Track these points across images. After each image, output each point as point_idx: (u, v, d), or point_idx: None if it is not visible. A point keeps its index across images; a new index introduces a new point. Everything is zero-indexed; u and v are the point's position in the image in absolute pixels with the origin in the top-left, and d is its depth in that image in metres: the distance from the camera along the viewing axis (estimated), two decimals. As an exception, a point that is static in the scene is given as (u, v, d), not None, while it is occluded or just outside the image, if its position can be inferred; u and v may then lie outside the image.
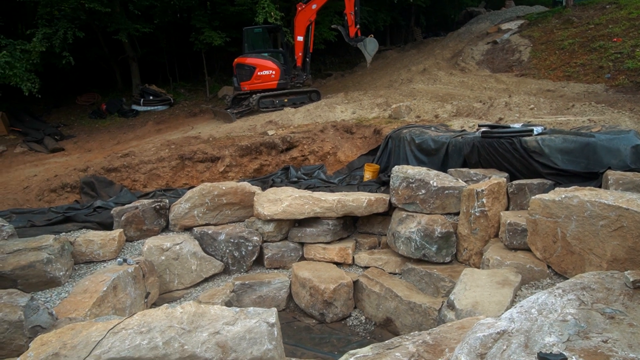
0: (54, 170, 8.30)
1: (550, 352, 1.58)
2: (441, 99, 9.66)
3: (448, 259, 5.19)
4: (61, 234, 5.46)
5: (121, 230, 5.72)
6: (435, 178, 5.45)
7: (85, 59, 15.76)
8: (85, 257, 5.28)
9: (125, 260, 4.96)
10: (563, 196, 3.76)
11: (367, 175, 7.28)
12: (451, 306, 3.45)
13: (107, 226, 5.92)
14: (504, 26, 14.88)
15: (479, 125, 6.45)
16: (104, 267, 5.11)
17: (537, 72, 10.85)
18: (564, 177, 5.00)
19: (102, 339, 2.04)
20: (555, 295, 2.07)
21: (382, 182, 6.78)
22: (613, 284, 2.07)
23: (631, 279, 1.98)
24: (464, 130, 6.88)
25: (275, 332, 2.31)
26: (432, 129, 7.07)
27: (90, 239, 5.36)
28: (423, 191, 5.42)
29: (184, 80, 17.70)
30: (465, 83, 11.15)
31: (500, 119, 7.32)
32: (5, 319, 3.24)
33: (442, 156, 6.34)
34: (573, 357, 1.58)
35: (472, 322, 2.31)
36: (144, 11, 14.29)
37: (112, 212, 5.97)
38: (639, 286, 1.96)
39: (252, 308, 2.40)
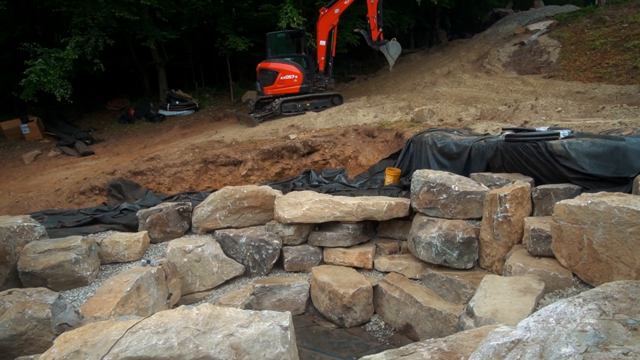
0: (84, 174, 8.61)
1: (565, 364, 1.53)
2: (465, 102, 9.51)
3: (470, 265, 5.09)
4: (89, 235, 5.65)
5: (146, 232, 5.88)
6: (457, 182, 5.36)
7: (116, 66, 16.31)
8: (111, 257, 5.45)
9: (148, 262, 5.08)
10: (589, 202, 3.63)
11: (388, 179, 7.23)
12: (470, 313, 3.38)
13: (133, 228, 6.09)
14: (532, 27, 14.52)
15: (503, 129, 6.31)
16: (129, 267, 5.26)
17: (567, 73, 10.53)
18: (591, 182, 4.82)
19: (120, 338, 2.10)
20: (575, 305, 2.00)
21: (403, 187, 6.72)
22: (638, 294, 1.99)
23: (656, 290, 1.90)
24: (488, 133, 6.75)
25: (289, 336, 2.32)
26: (455, 132, 6.96)
27: (116, 240, 5.52)
28: (444, 196, 5.35)
29: (209, 85, 18.06)
30: (491, 85, 10.93)
31: (526, 122, 7.14)
32: (34, 316, 3.38)
33: (465, 160, 6.23)
34: (590, 369, 1.53)
35: (490, 330, 2.26)
36: (171, 18, 14.69)
37: (137, 214, 6.14)
38: (664, 297, 1.88)
39: (266, 311, 2.42)
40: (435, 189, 5.40)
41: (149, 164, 8.30)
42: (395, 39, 11.13)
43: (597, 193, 3.88)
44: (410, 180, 5.92)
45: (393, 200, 5.92)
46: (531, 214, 4.94)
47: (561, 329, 1.84)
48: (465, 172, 6.04)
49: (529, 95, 9.33)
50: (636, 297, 1.96)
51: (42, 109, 14.86)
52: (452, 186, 5.30)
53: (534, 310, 3.30)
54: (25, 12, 14.82)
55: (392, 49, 10.93)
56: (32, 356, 3.15)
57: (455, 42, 19.15)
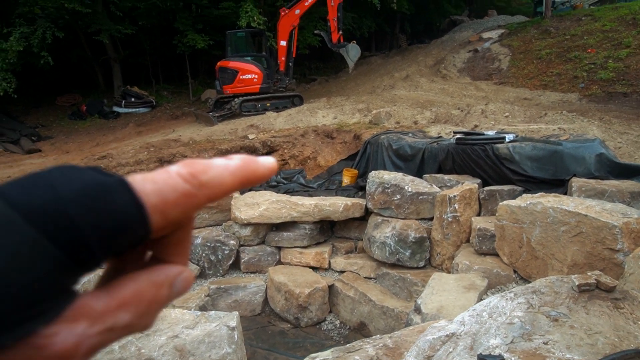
0: (29, 172, 8.16)
1: (489, 354, 1.64)
2: (421, 106, 9.80)
3: (422, 264, 5.26)
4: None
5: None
6: (410, 183, 5.53)
7: (66, 60, 15.56)
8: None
9: (97, 264, 4.91)
10: (528, 202, 3.86)
11: (346, 180, 7.34)
12: (418, 310, 3.51)
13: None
14: (486, 35, 15.18)
15: (454, 132, 6.57)
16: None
17: (516, 80, 11.09)
18: (533, 184, 5.13)
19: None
20: (506, 299, 2.13)
21: (360, 187, 6.85)
22: (562, 287, 2.14)
23: (577, 283, 2.06)
24: (441, 136, 7.00)
25: (236, 336, 2.32)
26: (410, 135, 7.17)
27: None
28: (398, 196, 5.50)
29: (167, 82, 17.59)
30: (446, 90, 11.33)
31: (476, 126, 7.47)
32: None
33: (418, 162, 6.44)
34: (512, 358, 1.64)
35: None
36: (127, 12, 14.19)
37: (86, 215, 5.91)
38: (583, 290, 2.04)
39: (213, 312, 2.41)
40: (389, 190, 5.54)
41: (100, 163, 7.98)
42: (355, 42, 11.32)
43: (536, 194, 4.13)
44: (366, 181, 6.05)
45: (349, 201, 6.02)
46: (479, 214, 5.18)
47: (492, 322, 1.96)
48: (419, 173, 6.24)
49: (480, 100, 9.75)
50: (560, 291, 2.11)
51: (-17, 103, 13.93)
52: (406, 187, 5.46)
53: (477, 305, 3.46)
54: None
55: (352, 52, 11.10)
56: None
57: (414, 47, 19.69)
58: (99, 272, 0.32)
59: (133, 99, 14.55)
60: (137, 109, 14.35)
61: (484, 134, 5.97)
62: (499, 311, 2.05)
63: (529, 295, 2.14)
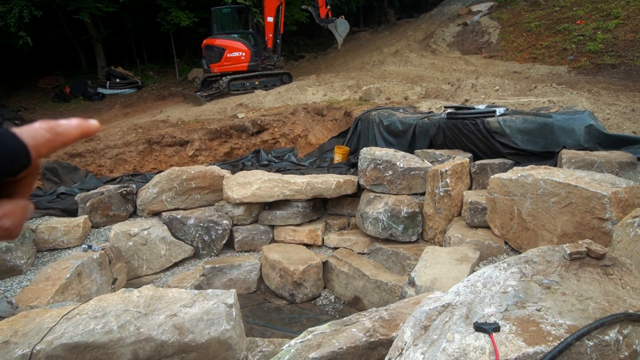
0: (15, 157, 8.00)
1: (485, 322, 1.67)
2: (411, 81, 9.74)
3: (414, 238, 5.33)
4: (22, 222, 5.30)
5: (86, 216, 5.62)
6: (402, 159, 5.54)
7: (46, 40, 15.06)
8: (48, 244, 5.18)
9: (90, 247, 4.89)
10: (519, 175, 3.90)
11: (337, 157, 7.33)
12: (412, 283, 3.57)
13: (72, 213, 5.79)
14: (475, 8, 15.01)
15: (445, 107, 6.56)
16: (69, 254, 5.03)
17: (505, 54, 11.04)
18: (523, 157, 5.17)
19: (55, 325, 2.03)
20: (500, 269, 2.17)
21: (351, 164, 6.85)
22: (553, 256, 2.19)
23: (568, 251, 2.10)
24: (431, 112, 6.99)
25: (234, 313, 2.34)
26: (401, 110, 7.14)
27: (54, 225, 5.24)
28: (390, 172, 5.51)
29: (153, 62, 17.18)
30: (436, 65, 11.25)
31: (467, 100, 7.46)
32: (-39, 309, 3.18)
33: (410, 138, 6.43)
34: (507, 325, 1.68)
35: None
36: (107, -11, 13.70)
37: (76, 198, 5.84)
38: (574, 258, 2.08)
39: (210, 290, 2.43)
40: (381, 166, 5.55)
41: (87, 146, 7.85)
42: (343, 16, 11.12)
43: (526, 167, 4.17)
44: (358, 158, 6.05)
45: (342, 178, 6.03)
46: (470, 188, 5.23)
47: (486, 291, 1.99)
48: (411, 149, 6.25)
49: (470, 74, 9.71)
50: (552, 260, 2.15)
51: (-38, 86, 13.52)
52: (398, 163, 5.47)
53: (469, 277, 3.53)
54: None
55: (341, 27, 10.92)
56: (-40, 351, 2.96)
57: (403, 21, 19.41)
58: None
59: (118, 80, 14.22)
60: (123, 90, 14.05)
61: (474, 108, 5.97)
62: (492, 281, 2.09)
63: (521, 265, 2.18)
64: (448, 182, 4.95)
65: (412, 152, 6.00)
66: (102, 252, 4.79)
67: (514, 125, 5.23)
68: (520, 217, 3.89)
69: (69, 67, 16.42)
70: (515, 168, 4.31)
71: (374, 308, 2.81)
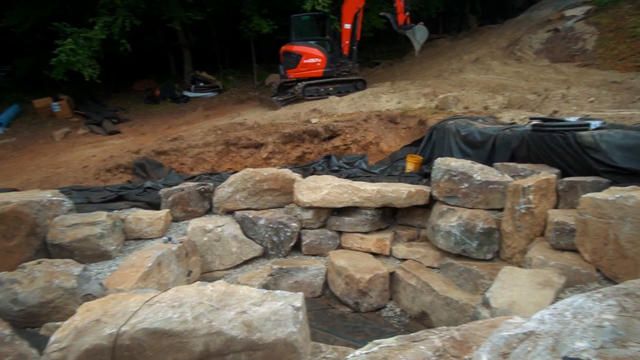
0: (110, 152, 8.84)
1: (578, 358, 1.50)
2: (492, 90, 9.25)
3: (489, 256, 5.02)
4: (114, 212, 5.82)
5: (168, 210, 6.01)
6: (480, 172, 5.26)
7: (143, 47, 16.52)
8: (134, 234, 5.61)
9: (170, 239, 5.21)
10: (617, 196, 3.50)
11: (409, 166, 7.15)
12: (486, 304, 3.34)
13: (156, 206, 6.23)
14: (568, 12, 13.89)
15: (530, 118, 6.12)
16: (151, 244, 5.40)
17: (603, 62, 10.08)
18: (622, 176, 4.64)
19: (138, 310, 2.17)
20: (593, 300, 1.94)
21: (424, 174, 6.64)
22: (662, 291, 1.92)
23: (682, 288, 1.83)
24: (514, 123, 6.56)
25: (301, 316, 2.35)
26: (480, 120, 6.80)
27: (140, 217, 5.67)
28: (466, 185, 5.25)
29: (233, 67, 18.12)
30: (520, 73, 10.58)
31: (555, 112, 6.90)
32: (61, 286, 3.53)
33: (489, 149, 6.09)
34: (604, 364, 1.49)
35: (503, 321, 2.22)
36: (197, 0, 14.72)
37: (160, 192, 6.27)
38: (690, 296, 1.80)
39: (279, 291, 2.46)
40: (456, 178, 5.31)
41: (172, 144, 8.44)
42: (422, 23, 10.87)
43: (626, 187, 3.74)
44: (431, 168, 5.84)
45: (413, 188, 5.86)
46: (556, 207, 4.81)
47: (577, 323, 1.79)
48: (489, 161, 5.91)
49: (560, 84, 8.99)
50: (660, 295, 1.89)
51: (72, 88, 15.24)
52: (474, 175, 5.20)
53: (553, 304, 3.23)
54: (57, -9, 15.09)
55: (419, 34, 10.69)
56: (58, 323, 3.30)
57: (485, 27, 18.55)
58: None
59: (202, 84, 15.18)
60: (206, 94, 14.97)
61: (564, 121, 5.50)
62: (584, 312, 1.87)
63: (621, 298, 1.94)
64: (531, 198, 4.59)
65: (490, 165, 5.66)
66: (180, 245, 5.08)
67: (613, 141, 4.72)
68: (617, 242, 3.49)
69: (160, 72, 17.86)
70: (612, 188, 3.89)
71: (444, 327, 2.67)
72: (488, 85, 9.70)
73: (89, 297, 3.67)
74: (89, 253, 4.93)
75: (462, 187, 5.27)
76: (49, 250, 4.81)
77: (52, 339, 2.15)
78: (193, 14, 14.07)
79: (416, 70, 13.73)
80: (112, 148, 9.44)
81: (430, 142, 7.14)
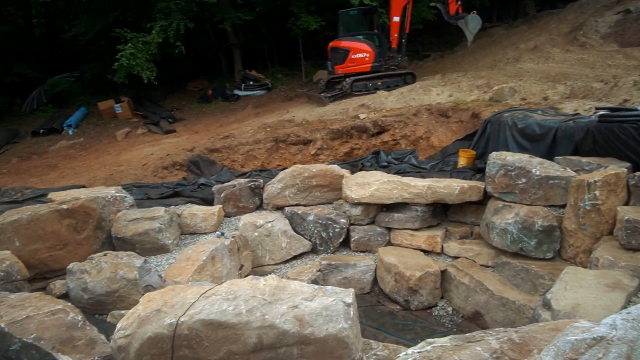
0: (167, 150, 9.28)
1: (658, 368, 1.37)
2: (553, 80, 8.70)
3: (549, 255, 4.74)
4: (170, 207, 6.10)
5: (220, 206, 6.21)
6: (539, 166, 4.97)
7: (195, 48, 17.16)
8: (189, 228, 5.85)
9: (223, 234, 5.39)
10: (700, 191, 3.17)
11: (462, 161, 6.90)
12: (547, 305, 3.16)
13: (209, 202, 6.46)
14: (639, -8, 12.75)
15: (597, 108, 5.70)
16: (205, 238, 5.61)
17: (680, 44, 9.17)
18: None
19: (195, 301, 2.26)
20: (674, 305, 1.77)
21: (477, 169, 6.38)
22: None
23: None
24: (578, 113, 6.14)
25: (352, 312, 2.34)
26: (539, 112, 6.42)
27: (194, 212, 5.91)
28: (523, 180, 4.99)
29: (282, 65, 18.37)
30: (585, 60, 9.88)
31: (626, 100, 6.37)
32: (125, 277, 3.77)
33: (549, 143, 5.74)
34: (689, 377, 1.35)
35: (568, 325, 2.09)
36: (246, 0, 15.06)
37: (213, 189, 6.50)
38: None
39: (330, 287, 2.46)
40: (513, 173, 5.05)
41: (224, 142, 8.72)
42: (475, 12, 10.44)
43: None
44: (485, 163, 5.60)
45: (466, 183, 5.65)
46: (626, 203, 4.44)
47: (655, 330, 1.64)
48: (549, 155, 5.57)
49: (632, 70, 8.29)
50: None
51: (132, 90, 16.15)
52: (533, 170, 4.92)
53: (624, 308, 3.00)
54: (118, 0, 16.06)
55: (472, 23, 10.27)
56: (123, 311, 3.52)
57: (544, 13, 17.47)
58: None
59: (251, 82, 15.54)
60: (255, 92, 15.30)
61: (637, 110, 5.06)
62: (664, 318, 1.71)
63: None
64: (597, 194, 4.28)
65: (550, 159, 5.33)
66: (233, 239, 5.24)
67: (693, 131, 4.29)
68: (699, 243, 3.16)
69: (212, 72, 18.47)
70: (693, 182, 3.53)
71: (502, 328, 2.55)
72: (548, 74, 9.14)
73: (149, 287, 3.88)
74: (148, 246, 5.20)
75: (520, 182, 5.01)
76: (113, 243, 5.14)
77: (118, 326, 2.29)
78: (243, 14, 14.42)
79: (468, 61, 13.21)
80: (168, 146, 9.91)
81: (484, 136, 6.85)
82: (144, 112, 14.55)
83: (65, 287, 3.92)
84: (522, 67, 10.20)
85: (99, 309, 3.80)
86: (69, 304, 3.01)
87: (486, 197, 5.57)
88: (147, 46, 12.36)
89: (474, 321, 4.86)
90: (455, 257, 5.57)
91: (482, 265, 5.28)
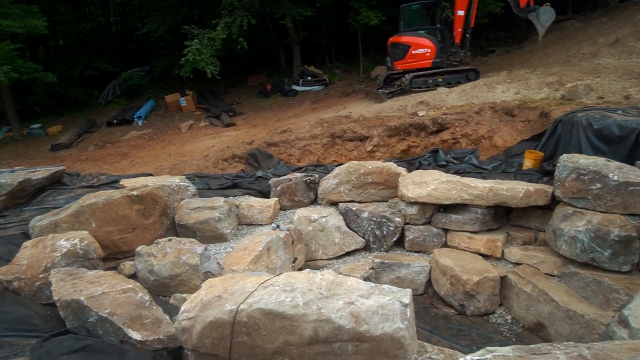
0: (227, 143, 9.62)
1: None
2: (636, 77, 7.97)
3: (626, 268, 4.36)
4: (229, 198, 6.32)
5: (276, 199, 6.34)
6: (617, 171, 4.57)
7: (256, 44, 17.60)
8: (246, 219, 6.03)
9: (278, 227, 5.49)
10: None
11: (528, 163, 6.53)
12: (623, 323, 2.91)
13: (266, 194, 6.62)
14: None
15: (689, 109, 5.14)
16: (261, 230, 5.76)
17: None
18: None
19: (254, 290, 2.32)
20: None
21: (545, 172, 6.01)
22: None
23: None
24: (665, 114, 5.58)
25: (409, 313, 2.29)
26: (619, 112, 5.91)
27: (252, 204, 6.08)
28: (598, 185, 4.61)
29: (340, 61, 18.36)
30: (674, 56, 8.95)
31: None
32: (187, 262, 3.96)
33: (630, 145, 5.27)
34: None
35: (650, 346, 1.91)
36: (307, -5, 15.20)
37: (270, 182, 6.64)
38: None
39: (386, 285, 2.43)
40: (586, 177, 4.69)
41: (281, 136, 8.88)
42: (548, 4, 9.76)
43: None
44: (554, 166, 5.26)
45: (532, 186, 5.34)
46: None
47: None
48: (629, 159, 5.11)
49: None
50: None
51: (196, 84, 16.91)
52: (610, 175, 4.54)
53: None
54: (186, -2, 16.84)
55: (544, 16, 9.63)
56: (185, 295, 3.70)
57: (629, 3, 15.98)
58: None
59: (309, 78, 15.69)
60: (313, 87, 15.44)
61: None
62: None
63: None
64: (686, 204, 3.86)
65: (631, 164, 4.89)
66: (287, 232, 5.33)
67: None
68: None
69: (271, 67, 18.87)
70: None
71: (571, 342, 2.38)
72: (630, 71, 8.38)
73: (208, 274, 4.05)
74: (208, 234, 5.43)
75: (594, 187, 4.64)
76: (176, 229, 5.42)
77: (183, 308, 2.41)
78: (304, 9, 14.56)
79: (538, 56, 12.44)
80: (228, 139, 10.27)
81: (554, 137, 6.42)
82: (207, 105, 15.19)
83: (134, 268, 4.19)
84: (600, 63, 9.43)
85: (163, 291, 4.02)
86: (138, 284, 3.21)
87: (554, 201, 5.23)
88: (212, 42, 12.86)
89: (536, 332, 4.60)
90: (517, 264, 5.29)
91: (546, 273, 4.98)
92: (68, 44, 21.44)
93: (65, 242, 3.75)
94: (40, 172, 6.29)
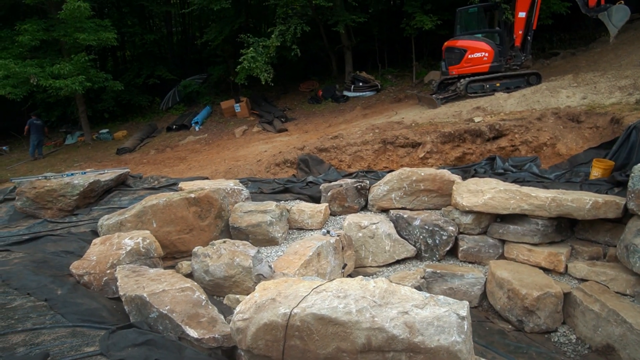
0: (279, 148, 9.81)
1: None
2: None
3: None
4: (281, 202, 6.42)
5: (327, 204, 6.36)
6: (702, 183, 4.15)
7: (308, 51, 17.86)
8: (297, 224, 6.10)
9: (328, 232, 5.51)
10: None
11: (596, 172, 6.10)
12: None
13: (316, 199, 6.66)
14: None
15: None
16: (311, 234, 5.80)
17: None
18: None
19: (307, 295, 2.33)
20: None
21: (616, 183, 5.58)
22: None
23: None
24: None
25: (466, 326, 2.20)
26: None
27: (302, 209, 6.13)
28: (679, 198, 4.21)
29: (392, 66, 18.18)
30: None
31: None
32: (240, 264, 4.06)
33: None
34: None
35: None
36: (360, 1, 15.20)
37: (320, 187, 6.68)
38: None
39: (442, 297, 2.35)
40: (665, 189, 4.30)
41: (332, 142, 8.92)
42: (622, 1, 9.08)
43: None
44: (627, 176, 4.87)
45: (601, 198, 4.97)
46: None
47: None
48: None
49: None
50: None
51: (250, 90, 17.43)
52: (694, 187, 4.13)
53: None
54: (243, 7, 17.44)
55: (617, 15, 8.96)
56: (238, 295, 3.80)
57: None
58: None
59: (361, 84, 15.66)
60: (364, 93, 15.39)
61: None
62: None
63: None
64: None
65: None
66: (337, 238, 5.32)
67: None
68: None
69: (323, 73, 19.04)
70: None
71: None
72: None
73: (260, 277, 4.13)
74: (260, 237, 5.54)
75: (674, 200, 4.24)
76: (230, 231, 5.58)
77: (237, 309, 2.47)
78: (357, 16, 14.59)
79: (608, 59, 11.61)
80: (280, 144, 10.47)
81: (627, 144, 5.95)
82: (260, 111, 15.60)
83: (190, 268, 4.37)
84: (680, 65, 8.64)
85: (217, 291, 4.15)
86: (195, 283, 3.34)
87: (626, 214, 4.84)
88: (266, 50, 13.21)
89: (605, 355, 4.26)
90: (583, 280, 4.95)
91: (617, 292, 4.61)
92: (134, 54, 22.95)
93: (129, 240, 3.98)
94: (108, 175, 6.75)
